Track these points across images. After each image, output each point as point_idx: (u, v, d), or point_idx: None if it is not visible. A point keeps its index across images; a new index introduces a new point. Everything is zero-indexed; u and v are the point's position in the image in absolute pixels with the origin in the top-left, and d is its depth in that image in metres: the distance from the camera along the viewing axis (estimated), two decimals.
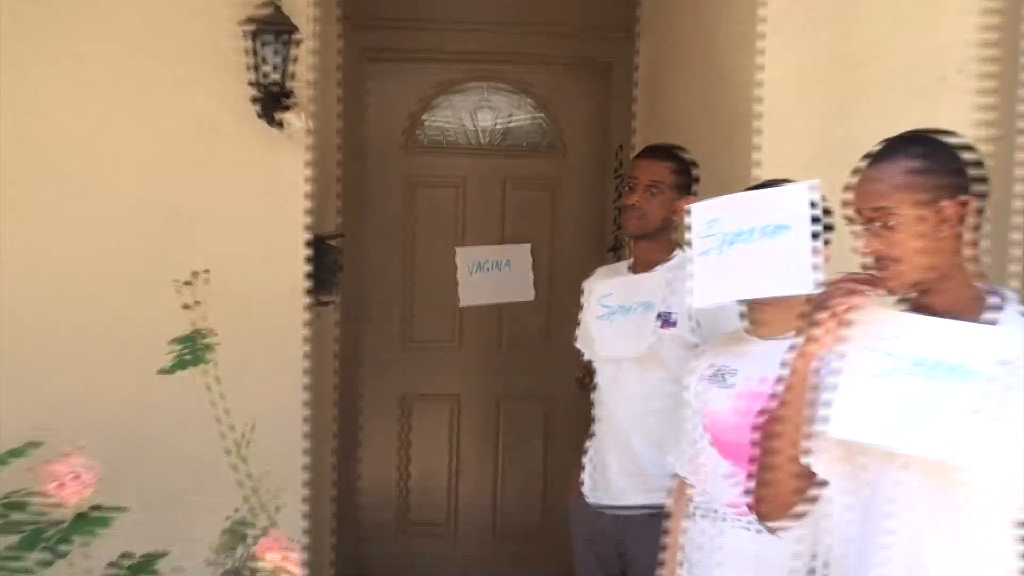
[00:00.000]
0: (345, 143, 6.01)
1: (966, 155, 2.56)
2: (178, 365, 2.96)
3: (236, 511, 3.16)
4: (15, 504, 2.63)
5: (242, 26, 4.54)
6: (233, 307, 4.46)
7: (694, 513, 3.33)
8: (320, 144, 5.26)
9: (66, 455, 2.57)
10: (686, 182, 4.11)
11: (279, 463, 4.28)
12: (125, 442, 4.44)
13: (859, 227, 2.57)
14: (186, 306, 3.02)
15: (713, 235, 3.19)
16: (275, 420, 4.55)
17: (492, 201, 6.23)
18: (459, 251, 5.90)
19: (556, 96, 6.31)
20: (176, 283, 3.06)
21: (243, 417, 3.26)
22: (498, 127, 6.35)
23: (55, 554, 2.64)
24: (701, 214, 3.24)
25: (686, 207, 3.32)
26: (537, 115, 6.33)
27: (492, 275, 5.81)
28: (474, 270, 5.84)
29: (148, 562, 2.84)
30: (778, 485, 2.73)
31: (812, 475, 2.70)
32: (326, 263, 5.03)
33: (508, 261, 5.79)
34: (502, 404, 6.27)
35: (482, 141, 6.31)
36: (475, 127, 6.33)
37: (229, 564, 3.28)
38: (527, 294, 5.66)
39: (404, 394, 6.25)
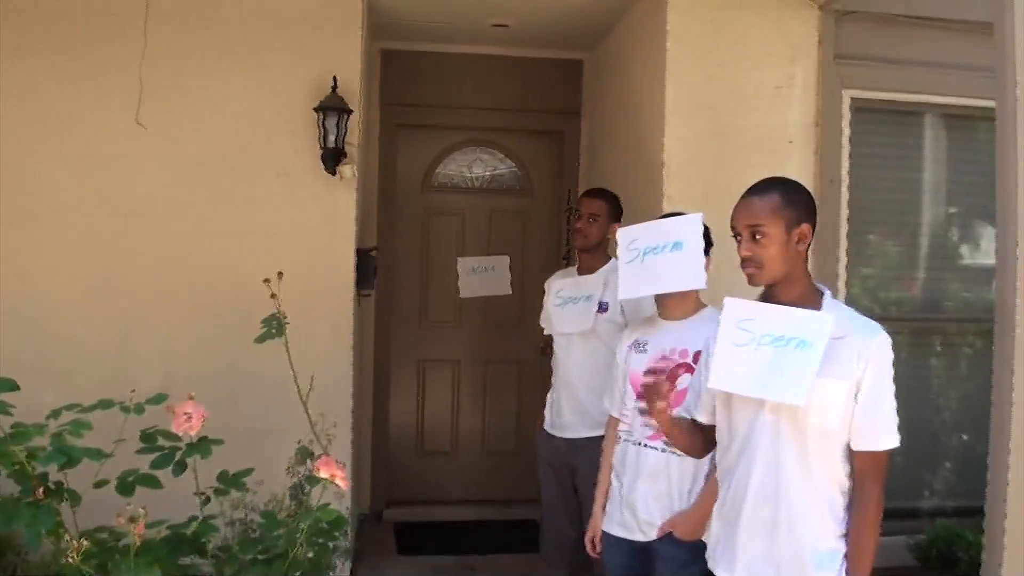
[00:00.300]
0: (382, 186, 6.00)
1: (808, 196, 2.61)
2: (265, 336, 2.96)
3: (300, 442, 3.15)
4: (153, 435, 2.62)
5: (316, 109, 4.57)
6: (305, 296, 4.48)
7: (622, 440, 3.32)
8: (364, 187, 5.25)
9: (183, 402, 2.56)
10: (616, 212, 4.11)
11: (333, 407, 4.31)
12: (227, 391, 4.43)
13: (739, 238, 2.58)
14: (272, 296, 3.00)
15: (634, 249, 3.23)
16: (331, 376, 4.58)
17: (482, 226, 6.20)
18: (460, 260, 5.86)
19: (526, 155, 6.29)
20: (266, 281, 3.05)
21: (309, 373, 3.25)
22: (487, 176, 6.32)
23: (181, 467, 2.63)
24: (625, 235, 3.30)
25: (616, 230, 3.40)
26: (514, 168, 6.30)
27: (482, 276, 5.77)
28: (470, 273, 5.81)
29: (238, 477, 2.82)
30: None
31: (702, 429, 2.78)
32: (367, 268, 5.02)
33: (493, 266, 5.76)
34: (489, 365, 6.24)
35: (476, 185, 6.28)
36: (471, 176, 6.31)
37: (301, 474, 3.28)
38: (506, 289, 5.63)
39: (420, 359, 6.21)
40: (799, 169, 4.48)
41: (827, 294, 2.59)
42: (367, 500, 5.98)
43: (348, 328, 4.73)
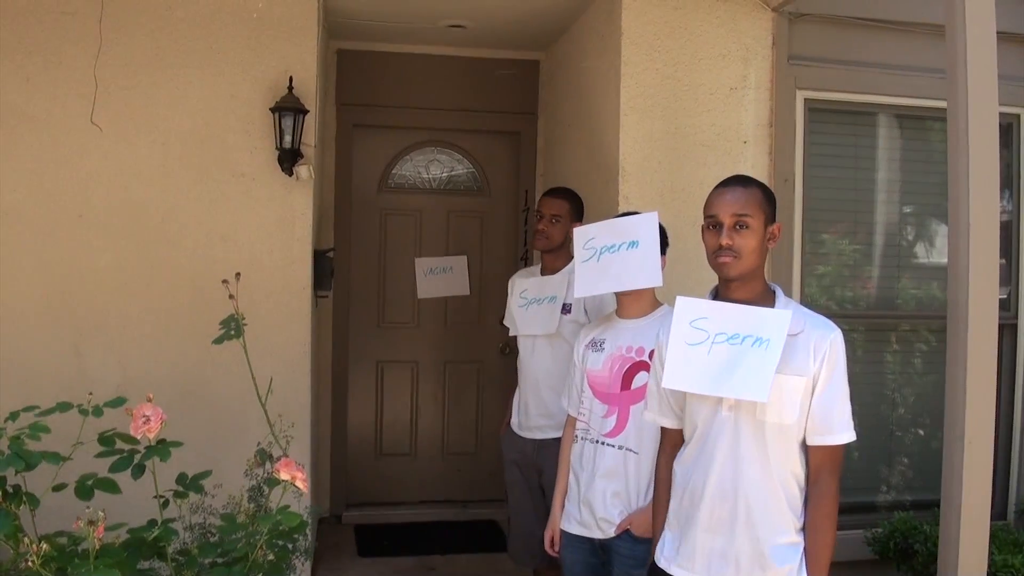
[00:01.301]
0: (338, 187, 5.99)
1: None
2: (223, 337, 2.95)
3: (259, 444, 3.14)
4: (112, 438, 2.61)
5: (272, 109, 4.56)
6: (262, 298, 4.49)
7: (579, 439, 3.35)
8: (320, 188, 5.25)
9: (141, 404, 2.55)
10: (578, 212, 4.14)
11: (291, 409, 4.34)
12: (185, 394, 4.41)
13: (719, 227, 2.61)
14: (231, 297, 2.99)
15: (590, 248, 3.26)
16: (290, 377, 4.57)
17: (440, 226, 6.20)
18: (417, 260, 5.90)
19: (483, 155, 6.30)
20: (224, 281, 3.03)
21: (267, 375, 3.24)
22: (444, 176, 6.32)
23: (140, 470, 2.61)
24: (582, 234, 3.35)
25: (574, 229, 3.40)
26: (471, 168, 6.31)
27: (440, 277, 5.81)
28: (428, 273, 5.84)
29: (197, 479, 2.81)
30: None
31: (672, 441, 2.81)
32: (324, 269, 5.02)
33: (451, 267, 5.79)
34: (448, 366, 6.24)
35: (433, 186, 6.28)
36: (428, 176, 6.30)
37: (259, 476, 3.27)
38: (464, 290, 5.67)
39: (378, 360, 6.19)
40: (753, 169, 4.54)
41: (779, 292, 2.65)
42: (326, 502, 5.97)
43: (306, 329, 4.72)
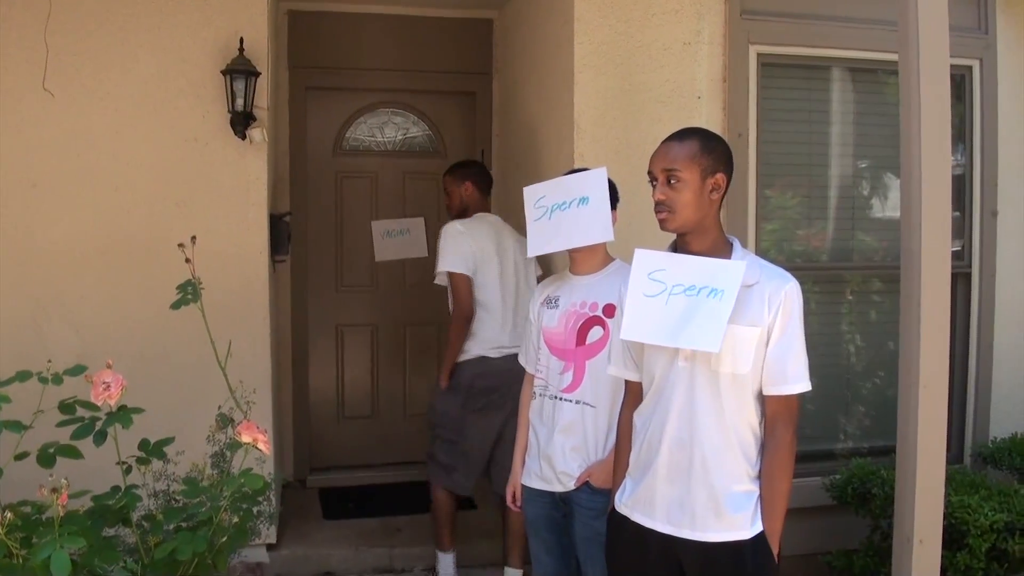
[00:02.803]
0: (292, 150, 5.94)
1: (726, 147, 2.69)
2: (181, 302, 2.93)
3: (220, 407, 3.13)
4: (72, 406, 2.59)
5: (223, 72, 4.51)
6: (219, 264, 4.46)
7: (538, 395, 3.38)
8: (274, 151, 5.21)
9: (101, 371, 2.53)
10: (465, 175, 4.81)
11: (252, 374, 4.33)
12: (144, 361, 4.39)
13: (655, 182, 2.64)
14: (187, 260, 2.97)
15: (541, 207, 3.28)
16: (249, 342, 4.56)
17: (396, 188, 6.17)
18: (374, 224, 5.86)
19: (438, 116, 6.27)
20: (180, 245, 3.01)
21: (225, 340, 3.22)
22: (399, 138, 6.29)
23: (102, 437, 2.60)
24: (532, 193, 3.37)
25: (524, 189, 3.41)
26: (427, 130, 6.29)
27: (397, 239, 5.78)
28: (385, 236, 5.80)
29: (159, 445, 2.81)
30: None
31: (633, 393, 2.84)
32: (280, 233, 5.00)
33: (408, 229, 5.76)
34: (406, 328, 6.25)
35: (388, 148, 6.25)
36: (383, 138, 6.27)
37: (222, 442, 3.26)
38: (423, 251, 5.65)
39: (338, 323, 6.18)
40: (707, 124, 4.55)
41: (736, 244, 2.68)
42: (290, 467, 5.98)
43: (264, 294, 4.70)
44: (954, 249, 4.92)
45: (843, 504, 4.39)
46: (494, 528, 5.07)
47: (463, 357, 4.52)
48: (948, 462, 3.30)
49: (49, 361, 2.59)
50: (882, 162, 5.08)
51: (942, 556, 3.25)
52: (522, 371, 3.59)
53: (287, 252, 5.24)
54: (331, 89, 6.07)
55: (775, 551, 2.57)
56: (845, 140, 5.00)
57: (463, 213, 4.71)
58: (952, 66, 3.28)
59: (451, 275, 4.50)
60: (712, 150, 2.63)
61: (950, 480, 3.78)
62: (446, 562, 4.72)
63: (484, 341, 4.49)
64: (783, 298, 2.53)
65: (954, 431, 4.98)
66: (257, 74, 4.52)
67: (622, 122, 4.51)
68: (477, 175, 4.82)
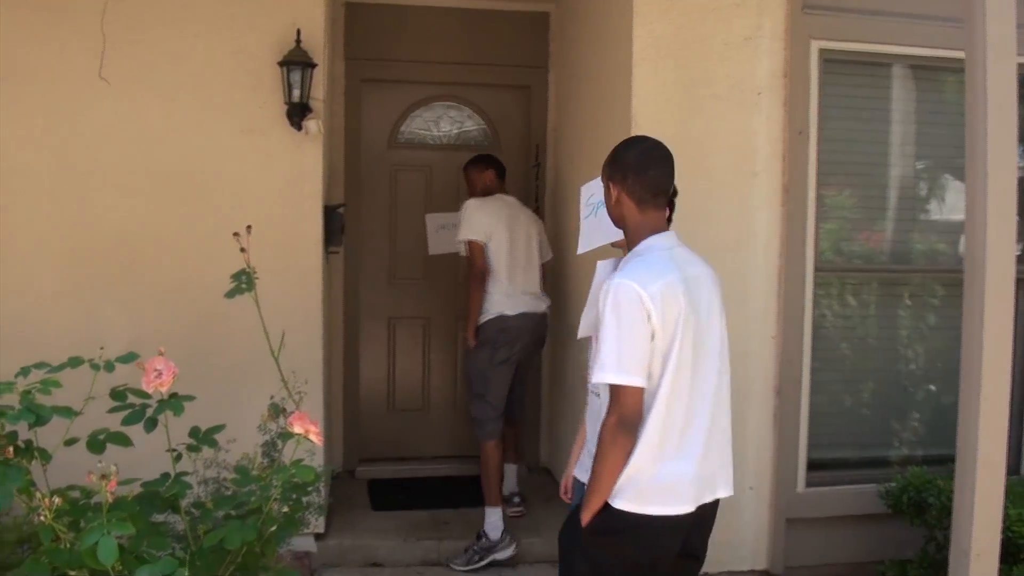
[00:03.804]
0: (348, 142, 5.95)
1: (612, 154, 2.87)
2: (235, 291, 2.93)
3: (272, 398, 3.13)
4: (123, 393, 2.59)
5: (280, 63, 4.52)
6: (273, 254, 4.45)
7: (590, 392, 3.36)
8: (330, 143, 5.22)
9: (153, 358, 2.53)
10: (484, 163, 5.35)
11: (304, 364, 4.30)
12: (197, 351, 4.40)
13: None
14: (242, 250, 2.96)
15: (591, 204, 3.33)
16: (302, 332, 4.57)
17: (450, 182, 6.13)
18: (428, 216, 5.86)
19: (494, 110, 6.24)
20: (235, 234, 3.01)
21: (278, 331, 3.22)
22: (454, 132, 6.28)
23: (152, 424, 2.60)
24: (585, 191, 3.43)
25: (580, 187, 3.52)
26: (481, 123, 6.26)
27: (451, 232, 5.75)
28: (438, 229, 5.81)
29: (210, 433, 2.80)
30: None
31: None
32: (334, 224, 5.00)
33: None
34: (459, 322, 6.20)
35: (443, 141, 6.24)
36: (438, 132, 6.26)
37: (273, 431, 3.26)
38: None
39: (390, 316, 6.19)
40: (768, 121, 4.49)
41: (644, 244, 2.77)
42: (339, 458, 5.99)
43: (317, 285, 4.70)
44: (1016, 253, 4.78)
45: (898, 513, 4.29)
46: (540, 525, 5.13)
47: (485, 318, 5.04)
48: (1006, 473, 3.20)
49: (101, 348, 2.60)
50: (945, 163, 4.95)
51: (998, 570, 3.16)
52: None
53: (340, 243, 5.24)
54: (387, 81, 6.06)
55: (583, 524, 2.70)
56: (907, 140, 4.88)
57: (484, 196, 5.25)
58: (1019, 64, 3.19)
59: (468, 243, 5.08)
60: (611, 161, 2.85)
61: (1008, 492, 3.68)
62: (494, 516, 4.92)
63: (498, 302, 5.03)
64: (604, 293, 2.65)
65: (1012, 441, 4.84)
66: (314, 65, 4.53)
67: (680, 117, 4.45)
68: (496, 164, 5.38)
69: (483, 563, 4.83)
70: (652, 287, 2.59)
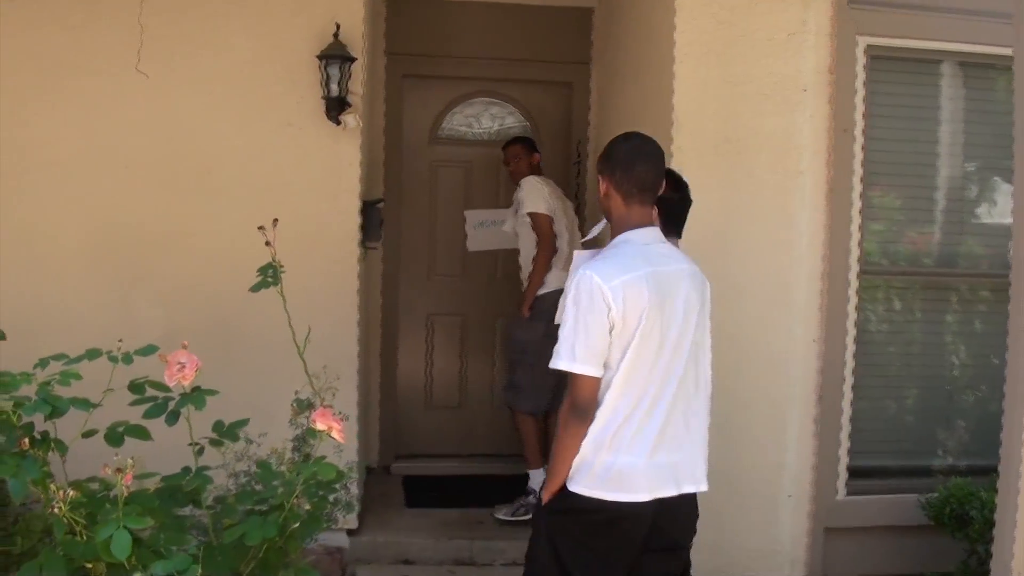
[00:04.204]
0: (388, 138, 5.92)
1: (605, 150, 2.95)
2: (260, 284, 2.90)
3: (296, 393, 3.10)
4: (142, 385, 2.56)
5: (318, 57, 4.47)
6: (309, 248, 4.46)
7: None
8: (369, 138, 5.19)
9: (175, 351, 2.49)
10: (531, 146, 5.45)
11: (339, 360, 4.33)
12: (231, 343, 4.40)
13: None
14: (268, 243, 2.93)
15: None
16: (336, 327, 4.55)
17: (491, 179, 6.09)
18: (468, 213, 5.84)
19: (535, 106, 6.18)
20: (260, 228, 2.98)
21: (313, 326, 3.20)
22: (495, 128, 6.22)
23: (174, 417, 2.57)
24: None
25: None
26: (522, 120, 6.20)
27: (491, 229, 5.76)
28: (477, 226, 5.79)
29: (233, 427, 2.77)
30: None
31: None
32: (372, 220, 4.96)
33: (502, 220, 5.70)
34: (498, 319, 6.16)
35: (484, 137, 6.18)
36: (479, 128, 6.21)
37: (303, 426, 3.23)
38: (514, 243, 5.58)
39: (428, 312, 6.15)
40: (812, 118, 4.37)
41: (621, 238, 2.84)
42: (375, 453, 5.97)
43: (353, 280, 4.66)
44: None
45: (939, 524, 4.16)
46: None
47: (544, 289, 5.05)
48: None
49: (120, 341, 2.57)
50: (994, 164, 4.80)
51: None
52: None
53: (379, 239, 5.20)
54: (428, 77, 6.03)
55: (543, 503, 2.83)
56: (955, 140, 4.73)
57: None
58: None
59: (536, 215, 5.07)
60: (603, 156, 2.93)
61: None
62: (539, 476, 4.96)
63: (558, 276, 4.97)
64: (569, 284, 2.76)
65: None
66: (352, 60, 4.48)
67: (723, 115, 4.35)
68: (537, 148, 5.48)
69: (526, 517, 4.89)
70: (614, 281, 2.66)
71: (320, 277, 4.53)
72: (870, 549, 4.49)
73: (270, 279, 2.86)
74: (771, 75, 4.36)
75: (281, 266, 2.92)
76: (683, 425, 2.80)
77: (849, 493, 4.51)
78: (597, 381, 2.68)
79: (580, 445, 2.71)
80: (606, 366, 2.69)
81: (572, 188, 6.05)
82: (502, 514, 5.12)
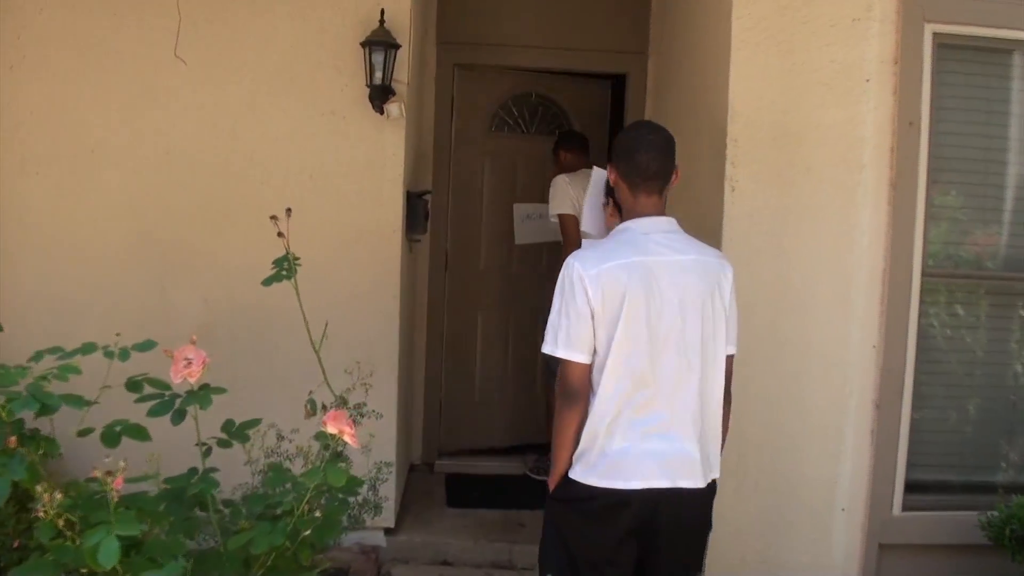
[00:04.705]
0: (437, 128, 5.77)
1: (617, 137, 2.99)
2: (273, 278, 2.76)
3: (310, 392, 2.95)
4: (139, 383, 2.42)
5: (362, 44, 4.33)
6: (351, 238, 4.40)
7: None
8: (416, 128, 5.06)
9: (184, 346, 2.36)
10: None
11: (379, 355, 4.22)
12: (267, 337, 4.29)
13: None
14: (280, 235, 2.79)
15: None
16: (377, 320, 4.44)
17: (541, 172, 5.91)
18: (516, 206, 5.71)
19: (587, 97, 6.03)
20: (273, 217, 2.83)
21: (353, 320, 3.08)
22: (547, 119, 6.06)
23: (180, 416, 2.44)
24: (599, 175, 3.50)
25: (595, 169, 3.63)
26: (573, 111, 6.05)
27: (538, 223, 5.66)
28: (525, 219, 5.67)
29: (243, 427, 2.62)
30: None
31: None
32: (417, 211, 4.82)
33: (547, 213, 5.57)
34: (540, 315, 5.99)
35: (535, 129, 6.01)
36: (530, 119, 6.05)
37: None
38: (559, 236, 5.45)
39: (475, 306, 6.00)
40: (876, 110, 4.11)
41: (623, 225, 2.85)
42: (418, 450, 5.84)
43: (395, 272, 4.51)
44: None
45: (999, 546, 3.89)
46: None
47: None
48: None
49: (118, 334, 2.43)
50: None
51: None
52: None
53: (424, 231, 5.06)
54: (480, 67, 5.88)
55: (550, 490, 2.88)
56: None
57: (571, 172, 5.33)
58: None
59: (562, 216, 5.13)
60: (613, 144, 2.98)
61: None
62: None
63: None
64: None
65: None
66: (397, 47, 4.33)
67: (781, 105, 4.11)
68: (580, 142, 5.56)
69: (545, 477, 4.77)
70: (593, 269, 2.67)
71: (361, 269, 4.41)
72: (925, 568, 4.22)
73: (284, 272, 2.71)
74: (833, 64, 4.11)
75: (297, 258, 2.78)
76: (685, 418, 2.73)
77: (905, 508, 4.24)
78: (584, 367, 2.71)
79: (573, 429, 2.74)
80: (595, 352, 2.70)
81: None
82: (536, 473, 5.47)
